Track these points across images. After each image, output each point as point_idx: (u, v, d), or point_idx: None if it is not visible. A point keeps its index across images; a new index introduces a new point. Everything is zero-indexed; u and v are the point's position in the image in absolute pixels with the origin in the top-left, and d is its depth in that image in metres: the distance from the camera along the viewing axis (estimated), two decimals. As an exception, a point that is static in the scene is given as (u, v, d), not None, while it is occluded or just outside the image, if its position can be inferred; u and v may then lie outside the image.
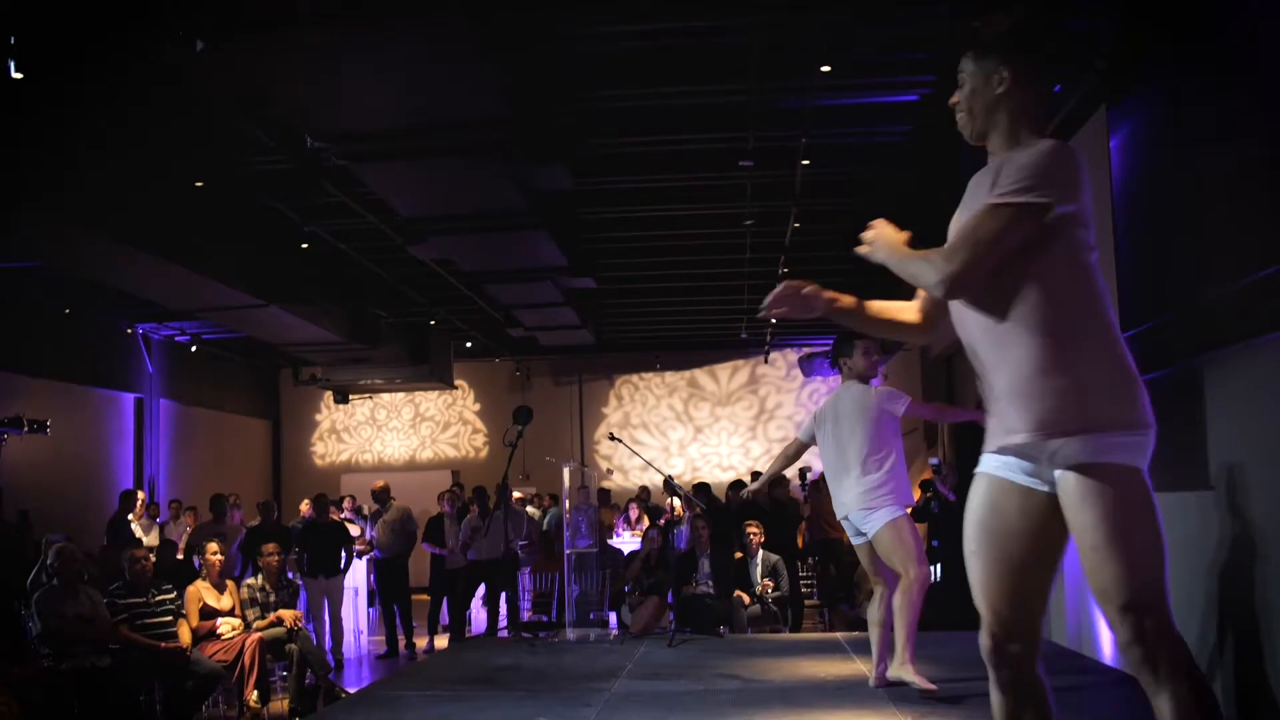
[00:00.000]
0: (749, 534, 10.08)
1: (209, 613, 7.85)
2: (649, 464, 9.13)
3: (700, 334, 18.44)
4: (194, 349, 16.35)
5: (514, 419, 8.01)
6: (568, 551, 8.24)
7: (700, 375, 20.02)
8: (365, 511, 14.84)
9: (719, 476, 19.11)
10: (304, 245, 10.64)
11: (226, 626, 7.80)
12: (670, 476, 8.77)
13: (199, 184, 8.61)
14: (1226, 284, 5.45)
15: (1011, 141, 2.78)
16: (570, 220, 10.23)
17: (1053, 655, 6.80)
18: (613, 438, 9.24)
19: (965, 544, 2.73)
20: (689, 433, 19.91)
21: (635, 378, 20.17)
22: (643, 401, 20.11)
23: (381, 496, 12.06)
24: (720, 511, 13.08)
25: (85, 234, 8.75)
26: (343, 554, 10.95)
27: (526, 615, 11.45)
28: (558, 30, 6.95)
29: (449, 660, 7.72)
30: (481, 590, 11.84)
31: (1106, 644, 6.73)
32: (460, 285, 12.38)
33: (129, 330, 14.86)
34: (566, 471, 8.26)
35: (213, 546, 8.15)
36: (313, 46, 5.99)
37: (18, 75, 6.36)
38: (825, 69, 7.07)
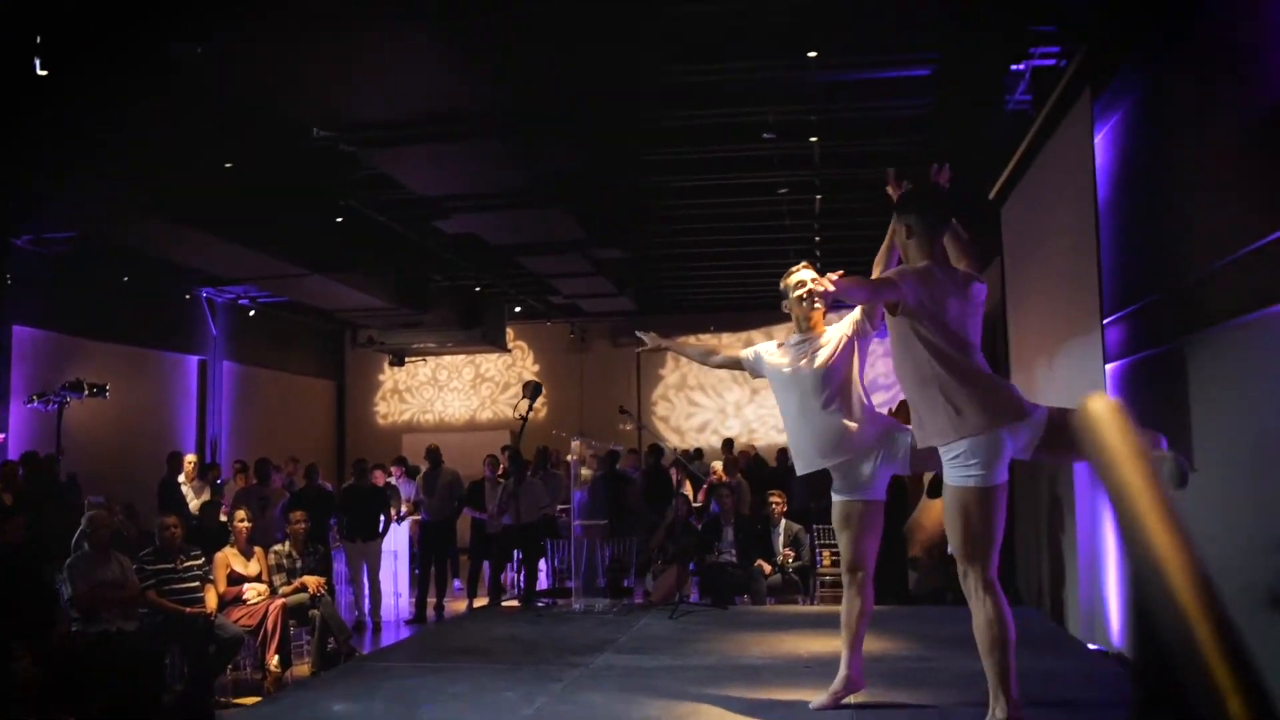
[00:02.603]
0: (771, 503, 10.20)
1: (237, 579, 8.23)
2: (653, 432, 9.26)
3: (753, 296, 18.48)
4: (252, 313, 16.84)
5: (524, 393, 8.21)
6: (576, 522, 8.45)
7: (756, 336, 19.97)
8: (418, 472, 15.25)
9: (774, 438, 19.19)
10: (339, 220, 10.93)
11: (252, 592, 8.17)
12: (672, 448, 8.89)
13: (228, 165, 8.91)
14: (1207, 265, 5.42)
15: None
16: (595, 194, 10.37)
17: (1061, 640, 6.90)
18: (623, 411, 9.39)
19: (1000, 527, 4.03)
20: (745, 394, 19.99)
21: (692, 339, 20.24)
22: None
23: (434, 457, 12.35)
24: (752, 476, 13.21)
25: (125, 209, 9.16)
26: (381, 518, 11.31)
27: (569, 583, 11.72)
28: (571, 15, 7.03)
29: (452, 630, 8.02)
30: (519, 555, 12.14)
31: (1115, 631, 6.76)
32: (497, 254, 12.61)
33: (187, 296, 15.37)
34: (575, 444, 8.45)
35: (240, 514, 8.53)
36: (320, 44, 6.20)
37: (42, 73, 6.68)
38: (819, 52, 7.08)
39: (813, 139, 8.73)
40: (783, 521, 10.11)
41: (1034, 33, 7.34)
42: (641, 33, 7.45)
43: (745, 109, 9.04)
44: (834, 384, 4.72)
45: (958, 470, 4.02)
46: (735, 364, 5.22)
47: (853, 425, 4.70)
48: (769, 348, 5.08)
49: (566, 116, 8.04)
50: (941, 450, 4.08)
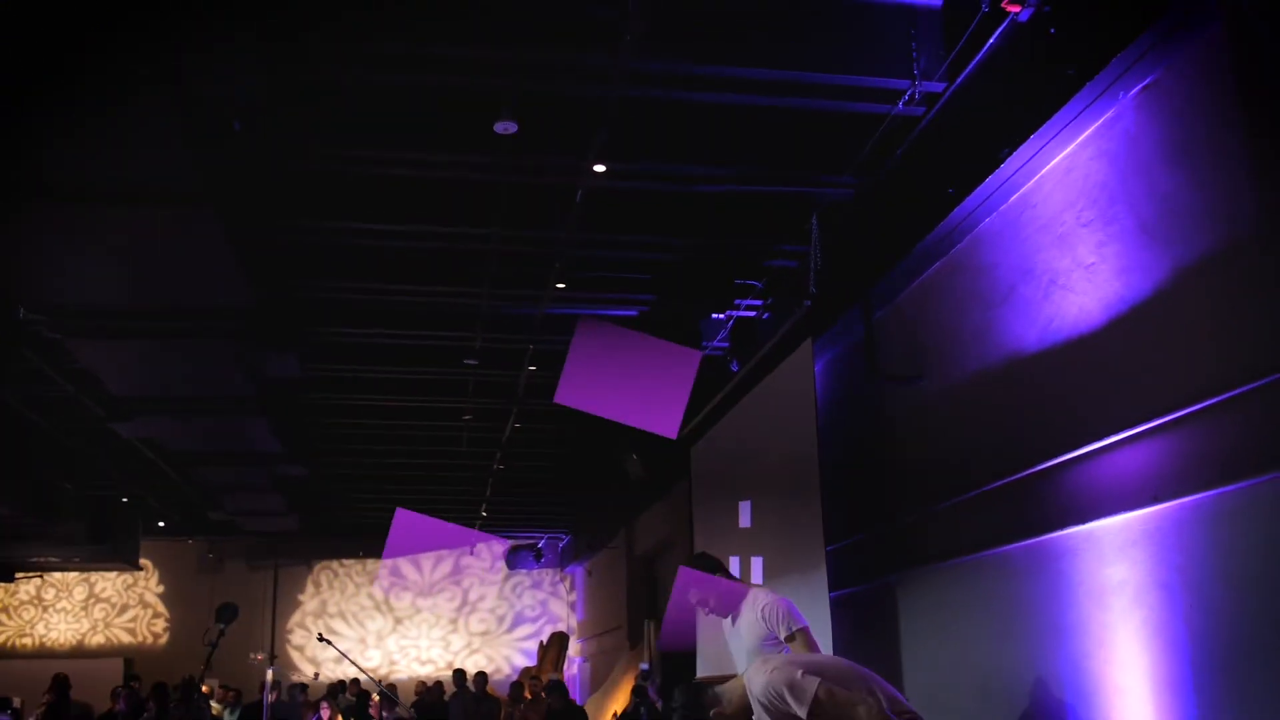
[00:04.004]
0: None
1: None
2: (360, 668, 8.79)
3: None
4: None
5: (217, 617, 7.57)
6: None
7: (403, 563, 19.60)
8: (16, 705, 13.43)
9: (416, 670, 18.57)
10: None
11: None
12: (379, 684, 8.47)
13: None
14: (917, 510, 6.01)
15: None
16: (289, 407, 10.01)
17: None
18: (322, 639, 8.80)
19: None
20: (388, 623, 19.34)
21: (335, 564, 19.53)
22: (341, 589, 19.47)
23: (61, 687, 10.85)
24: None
25: None
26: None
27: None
28: (293, 222, 6.95)
29: None
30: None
31: None
32: (164, 464, 11.75)
33: None
34: (270, 673, 7.84)
35: None
36: (33, 223, 5.79)
37: None
38: (560, 285, 7.41)
39: (532, 367, 8.97)
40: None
41: (739, 285, 8.10)
42: (363, 250, 7.48)
43: (456, 333, 9.15)
44: None
45: None
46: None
47: None
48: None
49: (289, 324, 7.85)
50: None
